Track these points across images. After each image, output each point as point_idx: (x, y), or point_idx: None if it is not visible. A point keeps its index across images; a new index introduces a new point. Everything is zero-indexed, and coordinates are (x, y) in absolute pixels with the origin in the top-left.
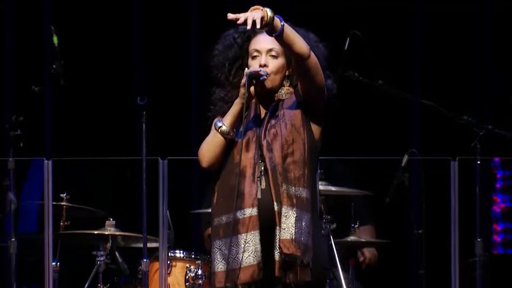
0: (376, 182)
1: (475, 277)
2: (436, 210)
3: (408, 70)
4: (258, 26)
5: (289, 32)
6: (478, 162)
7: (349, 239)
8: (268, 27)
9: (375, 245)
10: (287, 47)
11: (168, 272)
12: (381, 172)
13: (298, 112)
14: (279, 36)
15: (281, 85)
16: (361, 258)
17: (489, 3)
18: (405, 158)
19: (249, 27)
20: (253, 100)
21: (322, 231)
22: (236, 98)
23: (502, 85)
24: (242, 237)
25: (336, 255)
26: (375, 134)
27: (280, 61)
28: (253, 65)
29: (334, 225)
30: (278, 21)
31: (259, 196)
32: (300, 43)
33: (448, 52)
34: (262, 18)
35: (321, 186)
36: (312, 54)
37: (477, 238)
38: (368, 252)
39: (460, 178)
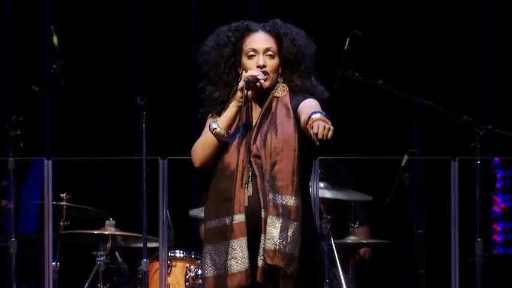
0: (376, 182)
1: (475, 277)
2: (436, 210)
3: (408, 70)
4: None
5: None
6: (478, 162)
7: (348, 240)
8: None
9: (375, 245)
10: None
11: (168, 272)
12: (380, 172)
13: (291, 118)
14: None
15: (276, 82)
16: (357, 256)
17: (489, 3)
18: (405, 158)
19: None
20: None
21: (323, 232)
22: (228, 96)
23: (502, 85)
24: (230, 244)
25: (336, 255)
26: (375, 134)
27: (276, 61)
28: (250, 65)
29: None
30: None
31: (246, 204)
32: None
33: (448, 52)
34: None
35: (320, 189)
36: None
37: (477, 238)
38: (362, 250)
39: (460, 178)
